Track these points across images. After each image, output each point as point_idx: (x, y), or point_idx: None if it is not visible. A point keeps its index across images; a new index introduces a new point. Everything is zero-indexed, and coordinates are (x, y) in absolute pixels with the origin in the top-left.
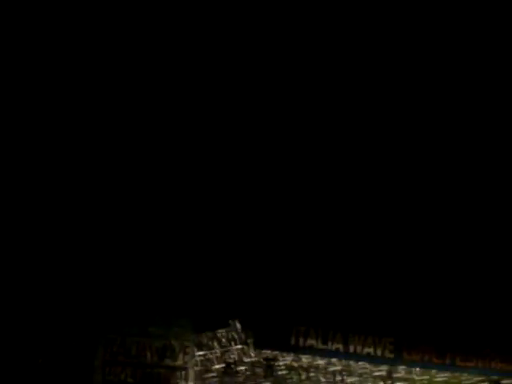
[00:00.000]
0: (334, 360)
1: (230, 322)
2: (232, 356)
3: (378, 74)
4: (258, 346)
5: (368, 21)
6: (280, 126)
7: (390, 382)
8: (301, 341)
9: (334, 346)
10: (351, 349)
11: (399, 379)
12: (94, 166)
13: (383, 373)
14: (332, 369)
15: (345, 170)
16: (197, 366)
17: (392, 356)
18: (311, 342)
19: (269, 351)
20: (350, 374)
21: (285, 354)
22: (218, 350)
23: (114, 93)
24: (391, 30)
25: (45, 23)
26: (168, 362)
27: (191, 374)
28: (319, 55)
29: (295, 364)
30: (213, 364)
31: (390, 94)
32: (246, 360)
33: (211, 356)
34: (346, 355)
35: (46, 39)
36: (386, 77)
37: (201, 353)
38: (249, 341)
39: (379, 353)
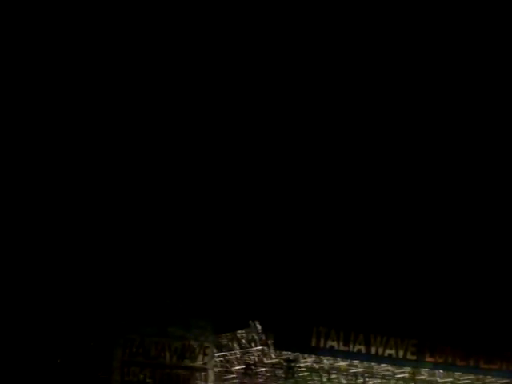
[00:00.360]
0: (355, 362)
1: (250, 322)
2: (252, 357)
3: (377, 74)
4: (279, 347)
5: (368, 21)
6: (280, 126)
7: None
8: (322, 342)
9: (356, 348)
10: (373, 350)
11: (422, 381)
12: (107, 169)
13: (406, 375)
14: (354, 371)
15: (356, 172)
16: (216, 367)
17: (414, 358)
18: (332, 343)
19: (289, 352)
20: (372, 376)
21: (306, 356)
22: (237, 351)
23: (114, 93)
24: (391, 30)
25: (45, 23)
26: (187, 362)
27: (211, 375)
28: (319, 55)
29: (316, 366)
30: (232, 365)
31: (389, 94)
32: (267, 361)
33: (231, 357)
34: (367, 357)
35: (46, 39)
36: (385, 77)
37: (220, 354)
38: (269, 342)
39: (401, 354)
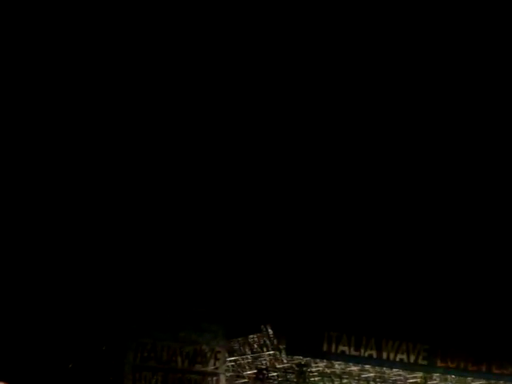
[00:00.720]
0: (367, 366)
1: (262, 327)
2: (264, 362)
3: (377, 74)
4: (290, 351)
5: (368, 21)
6: (280, 127)
7: None
8: (333, 347)
9: (367, 353)
10: (384, 355)
11: None
12: (109, 170)
13: (417, 380)
14: (365, 375)
15: (364, 173)
16: (228, 371)
17: (426, 363)
18: (343, 348)
19: (301, 357)
20: (384, 381)
21: (317, 361)
22: (249, 356)
23: (113, 93)
24: (391, 30)
25: (45, 23)
26: (199, 367)
27: (222, 379)
28: (319, 55)
29: (328, 370)
30: (244, 370)
31: (389, 94)
32: (278, 366)
33: (242, 362)
34: (379, 361)
35: (46, 39)
36: (385, 77)
37: (232, 358)
38: (281, 347)
39: (413, 359)
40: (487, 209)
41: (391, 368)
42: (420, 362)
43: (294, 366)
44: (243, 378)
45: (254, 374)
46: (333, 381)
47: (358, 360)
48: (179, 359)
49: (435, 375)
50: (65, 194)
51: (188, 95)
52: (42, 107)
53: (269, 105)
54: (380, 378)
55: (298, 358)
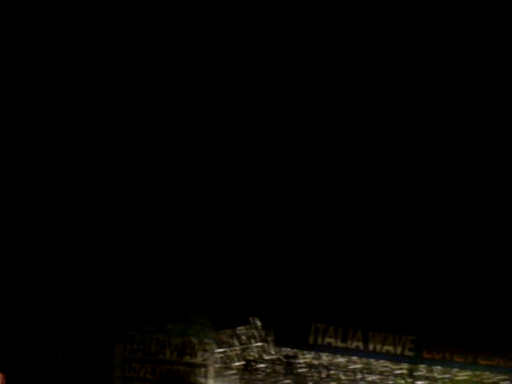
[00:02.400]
0: (354, 358)
1: (250, 319)
2: (252, 353)
3: (377, 74)
4: (278, 343)
5: (368, 21)
6: (280, 127)
7: (410, 380)
8: (319, 339)
9: (354, 344)
10: (371, 347)
11: (420, 377)
12: (104, 169)
13: (404, 371)
14: (352, 367)
15: (356, 171)
16: (216, 363)
17: (412, 354)
18: (330, 339)
19: (288, 349)
20: (371, 372)
21: (305, 352)
22: (237, 348)
23: (113, 93)
24: (391, 30)
25: (45, 23)
26: (187, 359)
27: (211, 371)
28: (319, 55)
29: (315, 362)
30: (232, 361)
31: (389, 94)
32: (266, 357)
33: (231, 353)
34: (365, 353)
35: (46, 39)
36: (385, 77)
37: (220, 350)
38: (269, 338)
39: (399, 351)
40: (471, 201)
41: (378, 359)
42: (406, 353)
43: (281, 357)
44: (231, 369)
45: (243, 365)
46: (320, 372)
47: (344, 351)
48: (168, 351)
49: (421, 366)
50: (52, 189)
51: (188, 95)
52: (41, 107)
53: (269, 105)
54: (367, 369)
55: (286, 350)
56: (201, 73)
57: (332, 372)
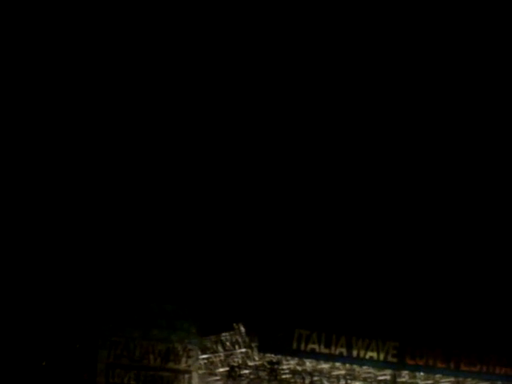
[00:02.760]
0: (337, 364)
1: (234, 325)
2: (236, 359)
3: (377, 74)
4: (262, 349)
5: (368, 21)
6: (280, 126)
7: None
8: (303, 345)
9: (338, 350)
10: (354, 353)
11: (403, 383)
12: (102, 167)
13: (387, 377)
14: (336, 373)
15: (350, 172)
16: (201, 369)
17: (395, 360)
18: (313, 346)
19: (272, 355)
20: (354, 379)
21: (288, 358)
22: (221, 354)
23: (113, 93)
24: (391, 30)
25: (45, 23)
26: (171, 365)
27: (195, 377)
28: (319, 55)
29: (299, 368)
30: (217, 367)
31: (389, 94)
32: (250, 363)
33: (215, 359)
34: (349, 359)
35: (46, 39)
36: (385, 77)
37: (204, 356)
38: (253, 344)
39: (382, 357)
40: (456, 208)
41: (361, 366)
42: (390, 359)
43: (265, 363)
44: (215, 375)
45: (227, 371)
46: (304, 378)
47: (328, 358)
48: (152, 357)
49: (404, 373)
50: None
51: (188, 95)
52: (41, 107)
53: (268, 105)
54: (350, 375)
55: (270, 356)
56: (201, 73)
57: (316, 378)
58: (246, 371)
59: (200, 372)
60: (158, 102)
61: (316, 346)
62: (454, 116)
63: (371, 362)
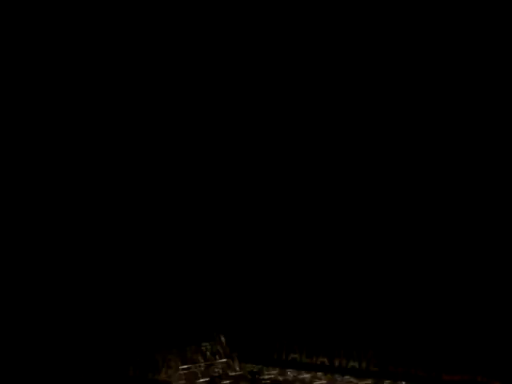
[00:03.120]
0: (319, 374)
1: (215, 335)
2: (216, 370)
3: (378, 74)
4: (243, 359)
5: (368, 21)
6: (279, 126)
7: None
8: (284, 355)
9: (319, 360)
10: (336, 363)
11: None
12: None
13: None
14: (317, 383)
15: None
16: (181, 379)
17: (377, 369)
18: (294, 355)
19: (253, 365)
20: None
21: (270, 368)
22: (202, 364)
23: (113, 93)
24: (391, 30)
25: (45, 23)
26: (150, 375)
27: None
28: (319, 55)
29: (280, 378)
30: (197, 378)
31: (389, 94)
32: (231, 374)
33: (195, 370)
34: (331, 369)
35: (46, 39)
36: (385, 77)
37: (185, 366)
38: (234, 354)
39: (364, 366)
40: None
41: (343, 375)
42: (371, 368)
43: (246, 373)
44: None
45: (207, 382)
46: None
47: (309, 368)
48: (131, 368)
49: (386, 382)
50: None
51: (187, 95)
52: (41, 107)
53: (268, 104)
54: None
55: (251, 366)
56: (201, 73)
57: None
58: (227, 381)
59: (180, 383)
60: (158, 101)
61: (297, 356)
62: (454, 116)
63: (353, 372)
